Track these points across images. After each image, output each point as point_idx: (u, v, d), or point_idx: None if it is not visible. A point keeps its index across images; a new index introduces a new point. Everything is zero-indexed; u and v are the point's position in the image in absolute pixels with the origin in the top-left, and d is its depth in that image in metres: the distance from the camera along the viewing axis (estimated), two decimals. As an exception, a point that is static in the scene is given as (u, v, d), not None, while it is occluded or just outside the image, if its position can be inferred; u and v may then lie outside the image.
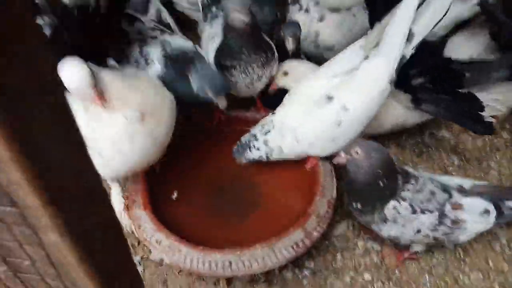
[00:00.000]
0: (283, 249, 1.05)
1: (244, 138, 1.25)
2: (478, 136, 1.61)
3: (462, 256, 1.28)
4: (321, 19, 1.48)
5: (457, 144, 1.61)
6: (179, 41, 1.30)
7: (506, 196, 1.13)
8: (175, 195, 1.26)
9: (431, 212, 1.06)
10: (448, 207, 1.07)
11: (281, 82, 1.34)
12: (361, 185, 1.05)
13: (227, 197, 1.30)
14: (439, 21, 1.11)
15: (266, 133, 1.22)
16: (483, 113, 1.17)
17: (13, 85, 0.32)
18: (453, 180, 1.15)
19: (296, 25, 1.37)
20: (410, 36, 1.09)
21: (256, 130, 1.25)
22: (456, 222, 1.07)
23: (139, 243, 1.28)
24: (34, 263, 0.44)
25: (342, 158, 1.04)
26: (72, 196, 0.41)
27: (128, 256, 0.57)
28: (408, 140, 1.57)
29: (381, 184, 1.02)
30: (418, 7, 1.08)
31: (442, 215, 1.06)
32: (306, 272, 1.24)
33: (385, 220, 1.06)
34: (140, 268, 1.23)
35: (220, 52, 1.29)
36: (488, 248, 1.29)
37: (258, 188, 1.31)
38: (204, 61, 1.24)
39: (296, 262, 1.24)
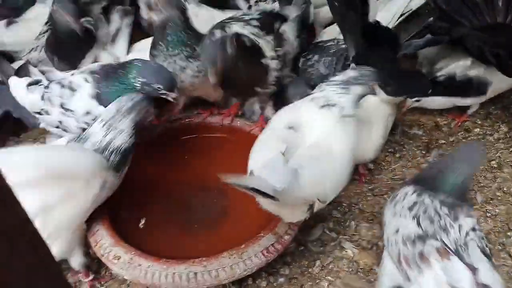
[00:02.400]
0: (253, 255, 0.99)
1: None
2: (451, 132, 1.61)
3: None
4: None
5: (430, 141, 1.60)
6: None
7: None
8: (142, 223, 1.16)
9: None
10: None
11: None
12: None
13: (194, 208, 1.24)
14: None
15: None
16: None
17: None
18: None
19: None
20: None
21: None
22: None
23: (99, 262, 1.18)
24: None
25: None
26: None
27: (50, 265, 0.49)
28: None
29: None
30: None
31: None
32: (282, 280, 1.17)
33: None
34: (102, 288, 1.14)
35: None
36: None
37: (226, 196, 1.24)
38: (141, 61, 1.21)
39: (271, 270, 1.18)
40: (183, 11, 1.29)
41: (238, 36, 1.20)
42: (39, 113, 1.24)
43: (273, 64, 1.30)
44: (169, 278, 0.93)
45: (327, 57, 1.48)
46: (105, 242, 1.00)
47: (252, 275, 1.09)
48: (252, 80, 1.31)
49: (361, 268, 1.21)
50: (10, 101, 1.28)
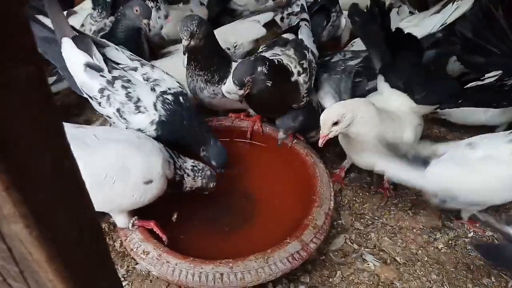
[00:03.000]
0: (278, 261, 1.00)
1: None
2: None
3: (464, 272, 1.23)
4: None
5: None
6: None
7: None
8: (174, 216, 1.19)
9: None
10: None
11: (332, 132, 1.18)
12: None
13: (222, 209, 1.25)
14: None
15: None
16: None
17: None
18: None
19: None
20: None
21: None
22: None
23: (125, 255, 1.21)
24: (-5, 261, 0.38)
25: None
26: (42, 182, 0.36)
27: (107, 260, 0.52)
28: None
29: None
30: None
31: None
32: (302, 287, 1.17)
33: None
34: (124, 283, 1.15)
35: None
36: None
37: (253, 201, 1.26)
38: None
39: (291, 277, 1.18)
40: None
41: (266, 59, 1.22)
42: (92, 97, 1.20)
43: (301, 79, 1.30)
44: (196, 277, 0.94)
45: (335, 75, 1.50)
46: (135, 237, 1.02)
47: (273, 280, 1.10)
48: (287, 100, 1.32)
49: (381, 282, 1.21)
50: (60, 62, 1.21)
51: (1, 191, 0.32)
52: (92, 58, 1.17)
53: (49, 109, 0.35)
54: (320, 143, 1.18)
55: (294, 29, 1.47)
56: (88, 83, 1.17)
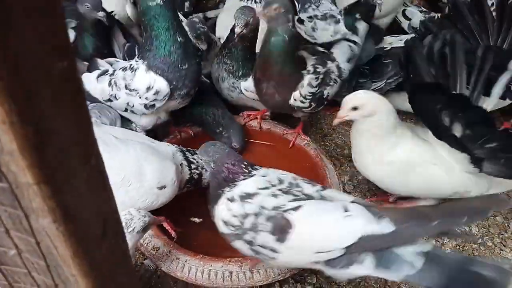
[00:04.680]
0: (287, 261, 0.99)
1: None
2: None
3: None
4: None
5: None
6: None
7: None
8: (196, 220, 1.20)
9: None
10: None
11: (349, 116, 1.15)
12: None
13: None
14: None
15: None
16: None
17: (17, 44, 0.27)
18: None
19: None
20: None
21: None
22: None
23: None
24: (21, 253, 0.38)
25: None
26: (72, 177, 0.36)
27: (127, 257, 0.52)
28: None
29: None
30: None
31: None
32: (309, 288, 1.17)
33: None
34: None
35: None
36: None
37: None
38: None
39: (298, 277, 1.18)
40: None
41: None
42: (109, 99, 1.27)
43: (308, 77, 1.30)
44: (205, 274, 0.94)
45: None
46: (145, 232, 1.02)
47: (280, 280, 1.09)
48: (288, 81, 1.32)
49: (388, 285, 1.21)
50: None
51: (33, 185, 0.32)
52: (100, 68, 1.29)
53: (80, 104, 0.36)
54: (336, 122, 1.18)
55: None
56: (102, 88, 1.26)
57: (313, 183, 0.92)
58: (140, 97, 1.21)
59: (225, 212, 0.88)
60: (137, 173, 0.99)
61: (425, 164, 1.16)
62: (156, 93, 1.19)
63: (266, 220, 0.84)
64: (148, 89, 1.19)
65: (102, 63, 1.32)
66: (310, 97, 1.30)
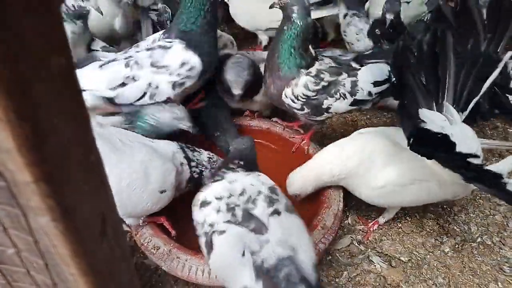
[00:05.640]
0: (286, 260, 0.99)
1: None
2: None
3: (471, 277, 1.22)
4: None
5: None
6: None
7: None
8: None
9: None
10: None
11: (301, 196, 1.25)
12: None
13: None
14: None
15: None
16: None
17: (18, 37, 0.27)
18: None
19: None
20: None
21: None
22: None
23: (133, 249, 1.21)
24: (19, 252, 0.38)
25: None
26: (70, 176, 0.36)
27: (127, 256, 0.52)
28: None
29: None
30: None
31: None
32: (308, 288, 1.17)
33: None
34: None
35: None
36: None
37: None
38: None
39: (298, 276, 1.18)
40: None
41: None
42: (121, 84, 1.18)
43: (305, 78, 1.29)
44: (205, 273, 0.94)
45: None
46: (145, 232, 1.03)
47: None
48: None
49: (388, 284, 1.20)
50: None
51: (31, 183, 0.32)
52: (101, 59, 1.25)
53: (78, 102, 0.35)
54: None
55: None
56: (112, 72, 1.19)
57: (276, 203, 0.87)
58: (170, 74, 1.19)
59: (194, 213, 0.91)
60: (142, 178, 0.97)
61: (417, 182, 1.14)
62: (191, 69, 1.20)
63: (203, 234, 0.85)
64: (183, 64, 1.19)
65: (103, 54, 1.29)
66: (304, 100, 1.24)
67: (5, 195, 0.33)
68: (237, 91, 1.28)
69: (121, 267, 0.47)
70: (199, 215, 0.88)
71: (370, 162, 1.13)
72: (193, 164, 1.09)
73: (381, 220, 1.34)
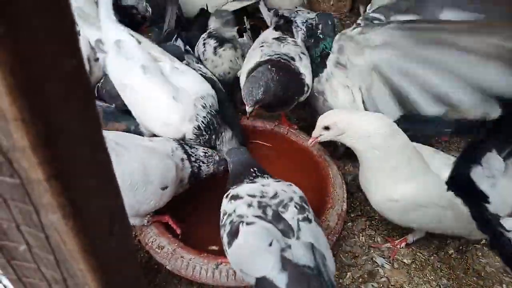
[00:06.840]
0: (290, 260, 1.00)
1: None
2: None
3: (475, 279, 1.22)
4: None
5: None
6: None
7: None
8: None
9: None
10: None
11: (323, 136, 1.15)
12: None
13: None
14: None
15: None
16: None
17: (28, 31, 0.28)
18: None
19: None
20: None
21: None
22: None
23: (138, 248, 1.22)
24: (30, 249, 0.39)
25: None
26: (80, 173, 0.37)
27: (133, 253, 0.53)
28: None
29: None
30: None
31: None
32: None
33: None
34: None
35: None
36: (503, 272, 1.23)
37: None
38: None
39: (302, 277, 1.18)
40: None
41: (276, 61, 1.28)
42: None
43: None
44: (209, 272, 0.95)
45: None
46: (150, 231, 1.04)
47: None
48: (294, 93, 1.34)
49: (392, 285, 1.21)
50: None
51: (43, 181, 0.33)
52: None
53: (88, 102, 0.36)
54: (309, 143, 1.19)
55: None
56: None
57: (307, 211, 0.87)
58: None
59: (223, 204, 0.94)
60: (142, 177, 0.99)
61: (433, 205, 1.06)
62: None
63: (229, 223, 0.86)
64: None
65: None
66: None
67: (19, 192, 0.34)
68: (247, 107, 1.23)
69: (128, 263, 0.48)
70: (228, 205, 0.89)
71: (401, 166, 1.05)
72: (192, 159, 1.13)
73: (410, 238, 1.29)
